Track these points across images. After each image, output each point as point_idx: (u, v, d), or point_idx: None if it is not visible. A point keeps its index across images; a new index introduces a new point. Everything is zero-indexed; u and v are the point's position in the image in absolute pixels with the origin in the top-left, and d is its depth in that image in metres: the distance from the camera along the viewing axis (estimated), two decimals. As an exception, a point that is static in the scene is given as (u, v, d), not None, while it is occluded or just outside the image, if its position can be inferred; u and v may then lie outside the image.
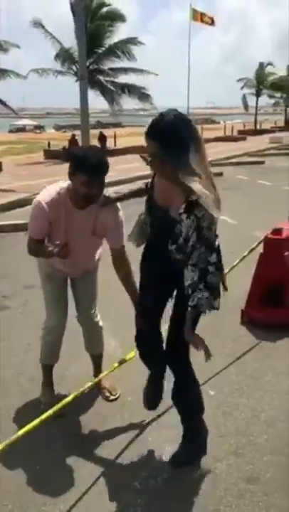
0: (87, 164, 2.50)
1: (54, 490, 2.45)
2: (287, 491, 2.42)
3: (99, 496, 2.41)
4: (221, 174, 13.88)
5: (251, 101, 42.22)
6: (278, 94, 44.04)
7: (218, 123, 55.62)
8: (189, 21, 28.95)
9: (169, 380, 2.63)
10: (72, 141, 21.38)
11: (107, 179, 2.65)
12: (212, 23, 29.98)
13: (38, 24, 21.23)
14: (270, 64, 41.90)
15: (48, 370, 3.17)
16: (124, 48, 22.45)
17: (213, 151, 19.78)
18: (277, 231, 4.29)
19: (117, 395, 3.21)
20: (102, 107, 28.78)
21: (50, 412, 2.47)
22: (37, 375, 3.32)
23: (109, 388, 3.21)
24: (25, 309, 4.79)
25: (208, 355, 2.29)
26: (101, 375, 3.03)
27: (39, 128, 67.54)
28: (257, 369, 3.58)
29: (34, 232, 2.73)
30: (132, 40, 22.74)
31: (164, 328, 2.58)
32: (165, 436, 2.81)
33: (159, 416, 2.96)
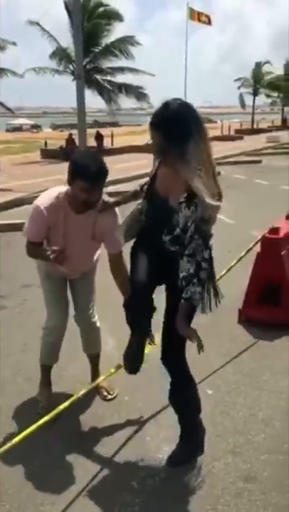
0: (86, 171, 2.49)
1: (52, 490, 2.45)
2: (284, 489, 2.42)
3: (97, 496, 2.41)
4: (218, 173, 13.89)
5: (248, 100, 42.28)
6: (275, 94, 44.05)
7: (215, 122, 55.65)
8: (186, 20, 28.95)
9: (166, 381, 2.63)
10: (70, 140, 21.35)
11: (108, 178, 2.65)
12: (209, 22, 29.97)
13: (33, 23, 21.19)
14: (267, 62, 41.91)
15: (46, 370, 3.17)
16: (121, 46, 22.41)
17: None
18: (275, 230, 4.29)
19: (114, 395, 3.21)
20: (99, 106, 28.77)
21: (46, 418, 2.45)
22: (34, 374, 3.32)
23: (106, 388, 3.21)
24: (23, 309, 4.78)
25: (200, 347, 2.27)
26: (98, 380, 3.03)
27: (36, 127, 67.37)
28: (254, 368, 3.58)
29: (32, 236, 2.74)
30: (129, 39, 22.70)
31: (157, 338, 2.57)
32: (163, 436, 2.81)
33: (156, 415, 2.96)
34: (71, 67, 21.36)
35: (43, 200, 2.67)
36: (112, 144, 25.37)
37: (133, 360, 2.56)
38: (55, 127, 65.36)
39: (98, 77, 22.51)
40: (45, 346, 3.12)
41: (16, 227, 7.74)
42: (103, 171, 2.55)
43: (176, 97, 2.18)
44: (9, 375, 3.51)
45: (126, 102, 23.94)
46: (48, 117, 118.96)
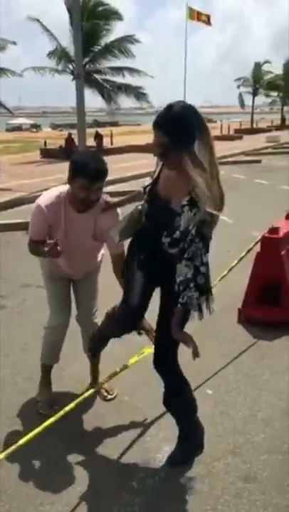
0: (86, 169, 2.51)
1: (51, 490, 2.44)
2: (284, 489, 2.42)
3: (96, 496, 2.41)
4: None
5: (248, 100, 42.28)
6: (275, 93, 44.06)
7: (215, 122, 55.62)
8: (186, 20, 28.94)
9: (160, 385, 2.62)
10: (69, 140, 21.34)
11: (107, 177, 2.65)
12: (208, 22, 29.95)
13: (34, 19, 21.07)
14: (267, 62, 41.90)
15: (47, 370, 3.17)
16: (120, 46, 22.39)
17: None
18: (274, 230, 4.29)
19: (114, 395, 3.21)
20: (98, 105, 28.75)
21: (52, 419, 2.45)
22: (34, 374, 3.32)
23: (106, 388, 3.21)
24: (23, 308, 4.78)
25: (195, 353, 2.27)
26: (103, 380, 3.03)
27: (36, 127, 67.32)
28: (254, 368, 3.58)
29: (33, 234, 2.76)
30: (129, 38, 22.68)
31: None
32: (162, 436, 2.81)
33: (156, 415, 2.96)
34: (71, 66, 21.34)
35: (44, 198, 2.70)
36: (111, 144, 25.38)
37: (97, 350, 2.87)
38: (54, 127, 65.33)
39: (98, 76, 22.50)
40: (46, 346, 3.12)
41: (16, 227, 7.75)
42: (102, 170, 2.56)
43: (179, 100, 2.20)
44: (9, 375, 3.51)
45: (125, 102, 23.93)
46: (48, 117, 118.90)
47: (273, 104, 50.57)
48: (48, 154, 21.56)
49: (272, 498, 2.37)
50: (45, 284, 3.09)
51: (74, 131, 16.93)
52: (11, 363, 3.69)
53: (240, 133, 33.55)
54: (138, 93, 22.80)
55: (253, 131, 36.46)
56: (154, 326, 2.63)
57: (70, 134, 22.01)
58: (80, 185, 2.54)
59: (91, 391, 2.75)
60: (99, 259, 3.05)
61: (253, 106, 43.09)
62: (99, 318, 3.14)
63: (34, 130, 63.14)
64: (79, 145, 12.72)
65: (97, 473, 2.57)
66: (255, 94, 41.83)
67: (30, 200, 9.59)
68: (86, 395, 2.66)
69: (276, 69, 42.18)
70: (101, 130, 26.54)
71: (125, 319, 2.59)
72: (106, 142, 24.50)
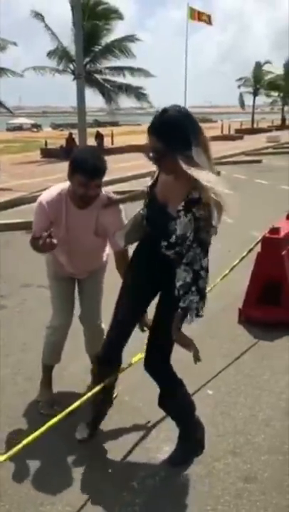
0: (84, 166, 2.54)
1: (52, 490, 2.44)
2: (284, 490, 2.42)
3: (97, 496, 2.41)
4: (218, 173, 13.88)
5: (249, 100, 42.27)
6: (275, 94, 44.07)
7: (215, 122, 55.59)
8: (187, 20, 28.91)
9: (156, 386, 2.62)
10: (70, 139, 21.33)
11: (105, 178, 2.66)
12: (209, 21, 29.93)
13: (38, 15, 20.95)
14: (267, 62, 41.91)
15: (48, 370, 3.17)
16: (121, 46, 22.38)
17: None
18: (275, 230, 4.29)
19: (114, 395, 3.20)
20: (99, 105, 28.75)
21: (56, 419, 2.44)
22: (34, 374, 3.31)
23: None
24: (23, 308, 4.78)
25: (196, 358, 2.27)
26: (107, 380, 3.01)
27: (36, 126, 67.29)
28: (254, 368, 3.58)
29: (36, 231, 2.77)
30: (130, 38, 22.66)
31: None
32: (163, 436, 2.81)
33: (156, 416, 2.95)
34: (71, 66, 21.33)
35: (46, 195, 2.74)
36: (112, 144, 25.36)
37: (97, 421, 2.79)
38: (55, 127, 65.30)
39: (98, 76, 22.49)
40: (48, 345, 3.12)
41: (16, 227, 7.75)
42: (100, 167, 2.58)
43: (174, 104, 2.19)
44: (9, 375, 3.51)
45: (126, 102, 23.92)
46: (48, 117, 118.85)
47: (274, 104, 50.58)
48: (49, 154, 21.55)
49: (273, 499, 2.37)
50: (50, 284, 3.10)
51: (75, 131, 16.93)
52: (11, 362, 3.69)
53: (240, 133, 33.53)
54: (138, 93, 22.79)
55: (253, 131, 36.45)
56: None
57: (70, 134, 22.01)
58: (79, 182, 2.57)
59: (97, 388, 2.73)
60: (104, 258, 3.05)
61: (253, 106, 43.08)
62: (101, 318, 3.15)
63: (35, 130, 63.11)
64: (80, 145, 12.71)
65: (98, 473, 2.57)
66: (255, 94, 41.82)
67: (31, 199, 9.60)
68: (92, 392, 2.64)
69: (277, 69, 42.20)
70: (102, 130, 26.53)
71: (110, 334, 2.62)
72: (107, 142, 24.49)
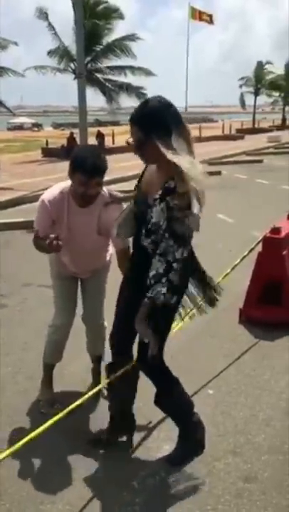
0: (83, 164, 2.54)
1: (52, 489, 2.44)
2: (284, 489, 2.42)
3: (97, 495, 2.41)
4: (219, 173, 13.88)
5: (250, 100, 42.27)
6: (276, 93, 44.08)
7: (216, 121, 55.57)
8: (188, 19, 28.89)
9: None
10: (71, 139, 21.34)
11: (106, 177, 2.67)
12: (211, 21, 29.91)
13: (43, 12, 20.89)
14: (269, 63, 41.93)
15: (49, 369, 3.17)
16: (122, 45, 22.39)
17: (212, 150, 19.79)
18: (276, 230, 4.29)
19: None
20: (100, 105, 28.77)
21: (57, 417, 2.44)
22: (35, 373, 3.31)
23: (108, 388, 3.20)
24: (24, 307, 4.78)
25: (152, 356, 2.25)
26: (112, 377, 3.01)
27: (37, 126, 67.29)
28: (255, 368, 3.58)
29: (39, 230, 2.78)
30: (131, 37, 22.65)
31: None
32: (163, 436, 2.81)
33: (157, 415, 2.95)
34: (72, 65, 21.33)
35: (48, 194, 2.75)
36: (113, 143, 25.35)
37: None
38: (56, 126, 65.28)
39: (99, 75, 22.49)
40: (50, 344, 3.12)
41: (17, 226, 7.75)
42: (100, 166, 2.58)
43: (156, 95, 2.24)
44: (10, 374, 3.51)
45: (127, 101, 23.92)
46: (49, 116, 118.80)
47: (275, 104, 50.56)
48: (50, 153, 21.56)
49: (273, 498, 2.37)
50: (53, 283, 3.10)
51: (76, 131, 16.92)
52: (11, 361, 3.69)
53: (241, 133, 33.53)
54: (139, 93, 22.80)
55: (254, 130, 36.45)
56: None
57: (72, 133, 22.02)
58: (79, 181, 2.58)
59: (98, 387, 2.73)
60: (107, 258, 3.05)
61: (254, 106, 43.08)
62: (104, 318, 3.14)
63: (35, 129, 63.10)
64: (81, 144, 12.73)
65: (98, 472, 2.57)
66: (257, 93, 41.83)
67: (32, 199, 9.62)
68: (93, 391, 2.64)
69: (278, 69, 42.23)
70: (103, 129, 26.52)
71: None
72: (108, 141, 24.48)
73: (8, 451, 2.22)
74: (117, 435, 2.74)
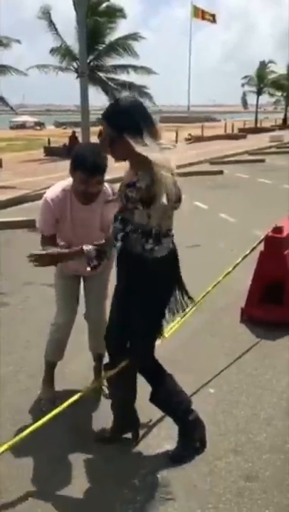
0: (84, 163, 2.57)
1: (52, 486, 2.45)
2: (285, 488, 2.42)
3: (98, 493, 2.42)
4: (221, 172, 13.89)
5: (252, 99, 42.24)
6: (279, 93, 44.02)
7: (219, 121, 55.54)
8: (190, 19, 28.92)
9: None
10: (73, 138, 21.32)
11: (107, 176, 2.68)
12: (213, 20, 29.93)
13: (46, 13, 20.86)
14: (271, 62, 41.87)
15: (50, 367, 3.17)
16: (125, 44, 22.37)
17: (214, 149, 19.78)
18: (278, 229, 4.29)
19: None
20: (102, 104, 28.74)
21: (58, 409, 2.45)
22: (37, 371, 3.32)
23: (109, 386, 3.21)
24: (26, 306, 4.79)
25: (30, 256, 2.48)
26: (104, 377, 3.02)
27: (39, 125, 67.26)
28: (256, 367, 3.58)
29: (43, 228, 2.81)
30: (133, 36, 22.62)
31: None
32: (164, 434, 2.81)
33: (157, 414, 2.95)
34: (75, 64, 21.32)
35: (50, 192, 2.77)
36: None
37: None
38: (58, 125, 65.27)
39: (102, 74, 22.47)
40: (51, 343, 3.12)
41: (19, 225, 7.76)
42: (100, 164, 2.60)
43: (127, 95, 2.35)
44: (11, 372, 3.52)
45: (128, 101, 23.88)
46: (52, 115, 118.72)
47: (277, 103, 50.47)
48: (52, 152, 21.54)
49: (274, 497, 2.37)
50: (55, 282, 3.12)
51: (78, 129, 16.92)
52: (13, 360, 3.69)
53: (244, 132, 33.50)
54: (141, 92, 22.77)
55: (256, 130, 36.39)
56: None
57: (74, 132, 22.00)
58: (80, 179, 2.61)
59: (93, 385, 2.74)
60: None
61: (257, 105, 43.03)
62: (106, 317, 3.15)
63: (38, 128, 63.09)
64: (84, 144, 12.72)
65: (99, 470, 2.57)
66: (259, 93, 41.77)
67: (34, 197, 9.63)
68: (91, 387, 2.64)
69: (280, 69, 42.22)
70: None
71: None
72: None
73: (6, 445, 2.23)
74: (120, 433, 2.75)
